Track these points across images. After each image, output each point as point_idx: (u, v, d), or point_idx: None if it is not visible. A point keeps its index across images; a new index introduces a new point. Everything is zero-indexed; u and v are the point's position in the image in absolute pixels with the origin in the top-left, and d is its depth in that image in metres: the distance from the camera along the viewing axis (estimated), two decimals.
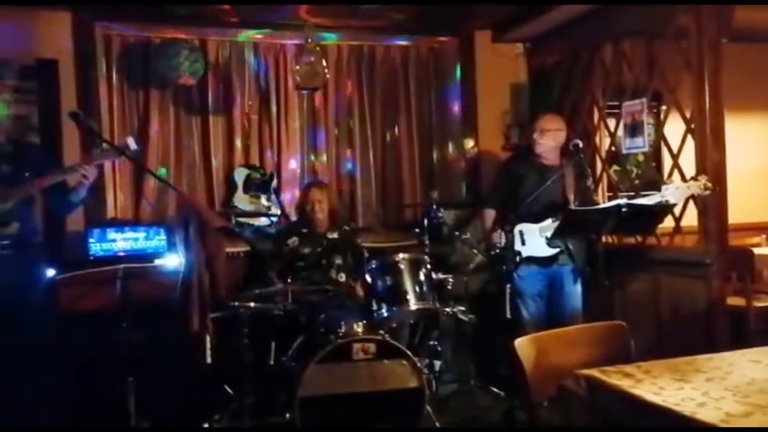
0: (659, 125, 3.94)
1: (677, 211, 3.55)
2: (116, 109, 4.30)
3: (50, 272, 3.00)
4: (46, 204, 3.23)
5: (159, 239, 3.87)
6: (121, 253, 3.75)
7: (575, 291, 3.55)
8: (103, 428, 3.32)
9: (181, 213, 2.94)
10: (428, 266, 3.54)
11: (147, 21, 4.23)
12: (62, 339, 3.08)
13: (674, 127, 3.65)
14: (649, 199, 3.18)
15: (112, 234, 3.79)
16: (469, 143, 4.76)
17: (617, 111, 4.01)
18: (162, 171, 4.38)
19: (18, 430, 2.97)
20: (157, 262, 3.50)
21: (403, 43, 4.80)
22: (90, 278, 2.87)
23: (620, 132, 3.97)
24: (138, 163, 3.66)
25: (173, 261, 3.30)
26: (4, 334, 2.90)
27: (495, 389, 3.78)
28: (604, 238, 3.51)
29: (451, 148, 4.90)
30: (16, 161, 3.01)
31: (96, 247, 3.75)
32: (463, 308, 3.76)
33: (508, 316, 3.35)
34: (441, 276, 3.69)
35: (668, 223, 3.57)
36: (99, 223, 3.92)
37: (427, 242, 3.86)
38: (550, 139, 3.59)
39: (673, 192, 3.14)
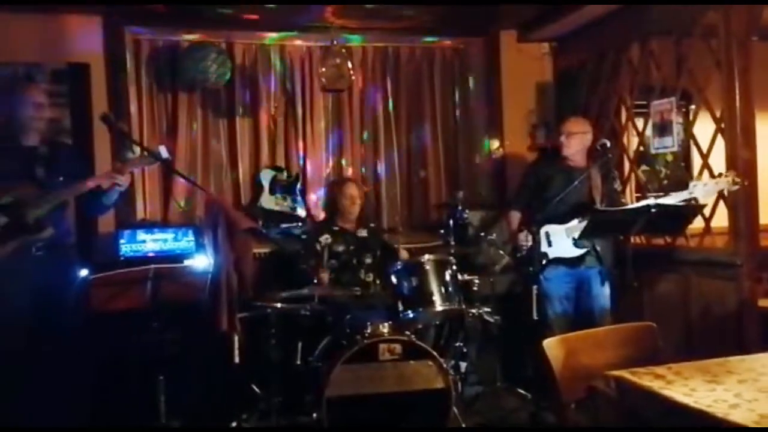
0: (688, 124, 3.89)
1: (707, 211, 3.50)
2: (145, 112, 4.38)
3: (83, 273, 3.05)
4: (78, 207, 3.31)
5: (187, 240, 3.93)
6: (151, 254, 3.81)
7: (603, 292, 3.52)
8: (134, 428, 3.37)
9: (210, 214, 2.97)
10: (454, 267, 3.54)
11: (175, 25, 4.29)
12: (94, 338, 3.14)
13: (704, 126, 3.60)
14: (678, 197, 3.14)
15: (141, 235, 3.86)
16: (495, 143, 4.75)
17: (645, 110, 3.97)
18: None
19: (52, 430, 3.04)
20: (186, 262, 3.56)
21: (428, 43, 4.80)
22: (121, 279, 2.92)
23: (648, 131, 3.93)
24: (170, 168, 3.72)
25: (202, 262, 3.34)
26: (39, 333, 2.97)
27: (521, 391, 3.76)
28: (632, 239, 3.48)
29: (476, 148, 4.89)
30: (50, 164, 3.08)
31: (126, 248, 3.82)
32: (489, 309, 3.75)
33: (535, 317, 3.33)
34: (467, 277, 3.69)
35: (698, 223, 3.52)
36: (129, 225, 3.99)
37: (452, 243, 3.86)
38: (576, 142, 3.57)
39: (701, 189, 3.10)
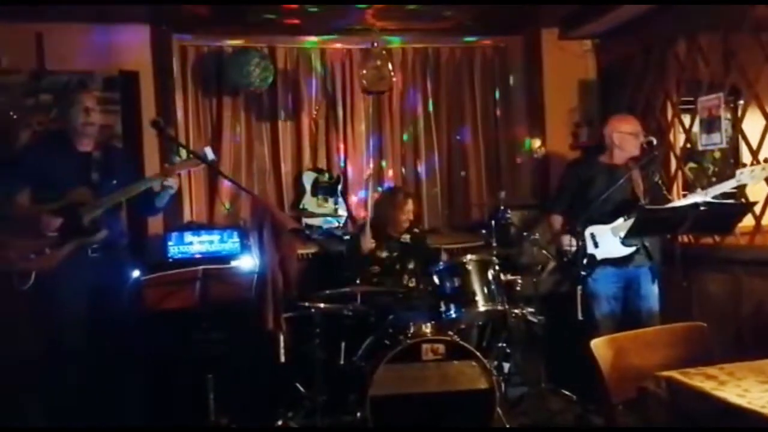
0: (737, 120, 3.79)
1: (758, 209, 3.41)
2: (191, 116, 4.50)
3: (135, 273, 3.15)
4: (130, 208, 3.42)
5: (232, 241, 4.02)
6: (198, 255, 3.91)
7: (652, 292, 3.45)
8: (184, 427, 3.45)
9: (256, 215, 3.02)
10: (496, 267, 3.52)
11: (220, 31, 4.40)
12: (147, 338, 3.24)
13: (753, 122, 3.50)
14: (726, 185, 3.06)
15: (189, 237, 3.97)
16: (537, 142, 4.71)
17: (692, 107, 3.88)
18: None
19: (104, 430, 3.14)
20: (233, 263, 3.63)
21: (468, 43, 4.79)
22: (172, 279, 3.01)
23: (696, 128, 3.84)
24: (215, 169, 3.81)
25: (248, 262, 3.41)
26: (96, 332, 3.08)
27: (566, 392, 3.71)
28: (680, 237, 3.40)
29: (517, 147, 4.85)
30: (104, 168, 3.20)
31: (174, 250, 3.93)
32: (532, 310, 3.71)
33: (580, 317, 3.29)
34: (510, 277, 3.66)
35: (748, 221, 3.42)
36: (177, 227, 4.10)
37: (494, 243, 3.84)
38: (635, 143, 3.46)
39: (747, 175, 3.03)
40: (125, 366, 3.17)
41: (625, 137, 3.49)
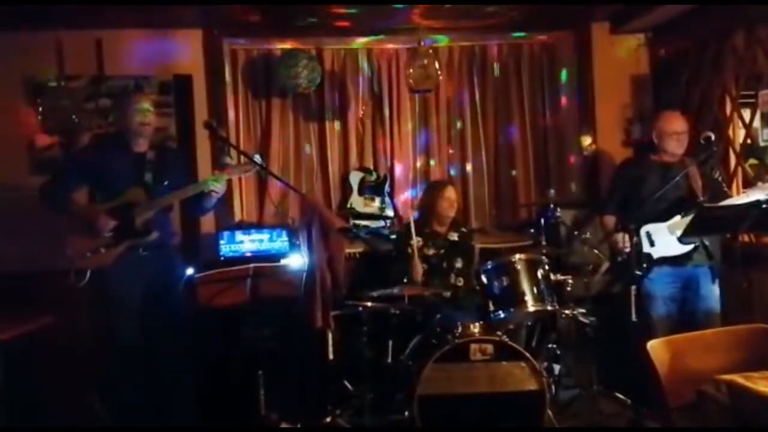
0: None
1: None
2: (242, 118, 4.58)
3: (189, 271, 3.23)
4: (182, 209, 3.52)
5: (282, 240, 4.07)
6: (248, 254, 3.98)
7: (712, 292, 3.33)
8: (235, 423, 3.51)
9: (305, 215, 3.07)
10: (546, 267, 3.47)
11: (269, 34, 4.47)
12: (200, 334, 3.31)
13: None
14: None
15: (239, 236, 4.04)
16: (587, 140, 4.61)
17: (752, 101, 3.73)
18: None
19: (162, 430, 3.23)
20: (282, 261, 3.68)
21: (516, 40, 4.73)
22: (224, 277, 3.08)
23: (756, 123, 3.69)
24: (265, 169, 3.87)
25: (297, 260, 3.45)
26: (147, 329, 3.17)
27: (619, 395, 3.62)
28: (740, 236, 3.27)
29: (567, 145, 4.76)
30: (157, 169, 3.30)
31: (226, 249, 4.01)
32: (583, 310, 3.64)
33: (634, 319, 3.20)
34: (560, 277, 3.59)
35: None
36: (228, 226, 4.18)
37: (543, 243, 3.78)
38: (684, 141, 3.38)
39: None
40: (177, 362, 3.25)
41: (666, 136, 3.39)
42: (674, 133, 3.40)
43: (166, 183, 3.27)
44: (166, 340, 3.19)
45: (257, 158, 3.34)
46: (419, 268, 3.60)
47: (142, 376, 3.13)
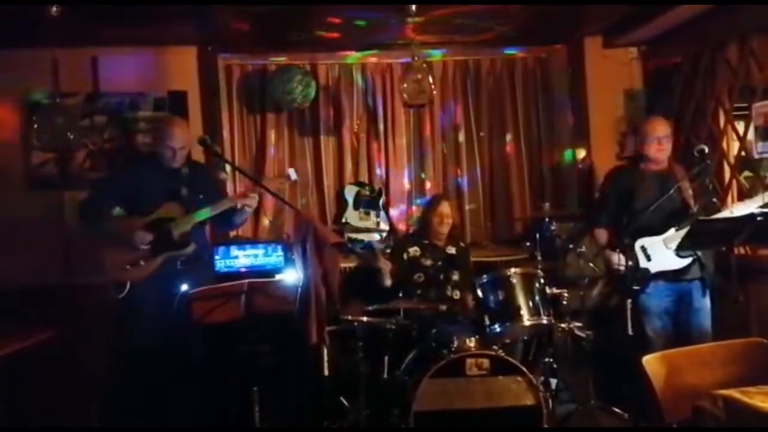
0: None
1: None
2: (237, 133, 4.58)
3: (183, 287, 3.22)
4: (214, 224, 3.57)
5: (276, 255, 4.07)
6: (243, 269, 3.98)
7: (705, 306, 3.32)
8: None
9: (300, 230, 3.06)
10: (542, 280, 3.46)
11: (263, 50, 4.49)
12: (195, 348, 3.30)
13: None
14: None
15: (234, 251, 4.03)
16: (581, 153, 4.62)
17: (746, 113, 3.75)
18: None
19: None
20: (277, 277, 3.67)
21: (509, 54, 4.76)
22: (219, 292, 3.05)
23: (750, 135, 3.71)
24: (260, 185, 3.87)
25: (292, 276, 3.44)
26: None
27: (617, 410, 3.60)
28: (735, 249, 3.27)
29: (561, 159, 4.77)
30: (191, 184, 3.38)
31: (221, 264, 4.00)
32: (579, 324, 3.62)
33: (630, 332, 3.19)
34: (556, 291, 3.58)
35: None
36: (223, 241, 4.17)
37: (538, 256, 3.77)
38: (670, 145, 3.39)
39: None
40: (178, 377, 3.25)
41: (647, 140, 3.39)
42: (655, 137, 3.38)
43: (200, 197, 3.35)
44: (170, 355, 3.20)
45: (292, 173, 3.42)
46: (387, 266, 3.65)
47: (147, 389, 3.17)
